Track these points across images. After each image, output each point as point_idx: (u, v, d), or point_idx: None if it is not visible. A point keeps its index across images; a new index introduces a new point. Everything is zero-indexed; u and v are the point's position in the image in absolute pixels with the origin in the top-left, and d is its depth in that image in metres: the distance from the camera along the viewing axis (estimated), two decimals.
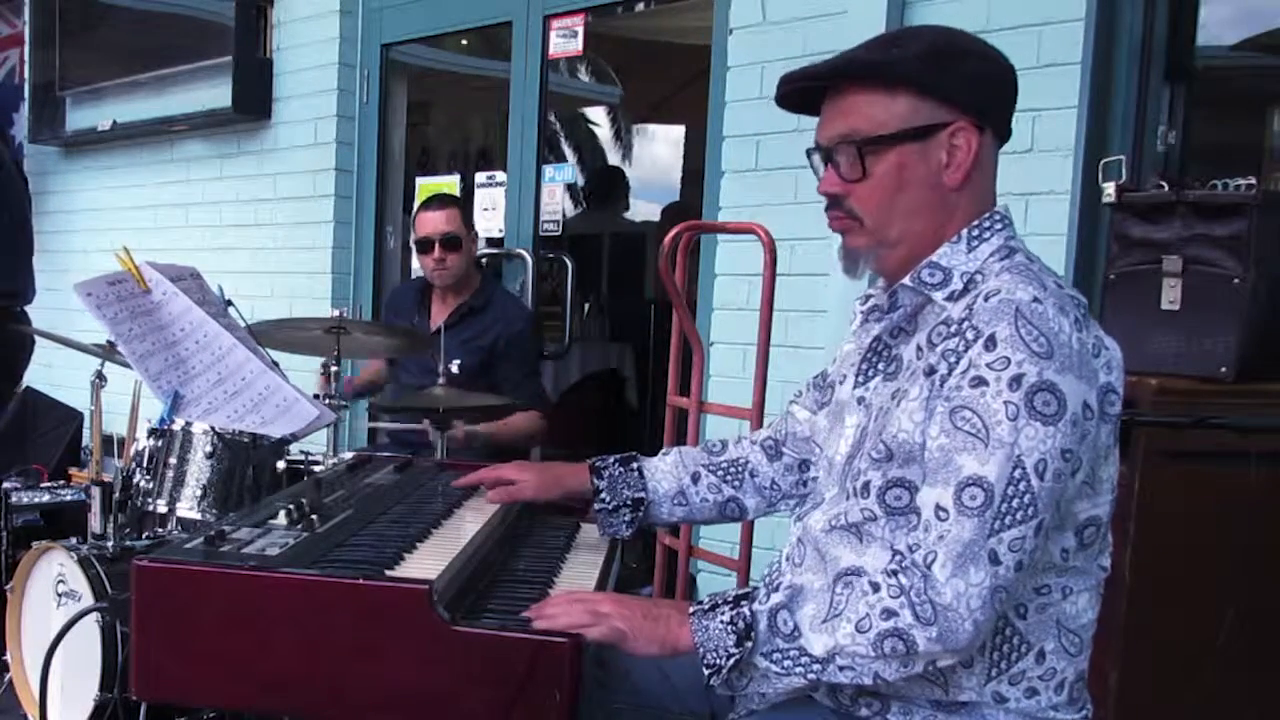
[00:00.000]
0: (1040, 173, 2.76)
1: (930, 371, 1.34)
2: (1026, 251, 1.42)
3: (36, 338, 3.78)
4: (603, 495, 1.76)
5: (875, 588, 1.29)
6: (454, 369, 2.98)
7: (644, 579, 3.14)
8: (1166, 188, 2.22)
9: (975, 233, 1.41)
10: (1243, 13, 2.97)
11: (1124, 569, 2.03)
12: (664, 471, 1.77)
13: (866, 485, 1.40)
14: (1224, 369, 2.13)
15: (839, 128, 1.43)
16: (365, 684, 1.35)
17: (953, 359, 1.31)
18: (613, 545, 1.82)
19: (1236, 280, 2.13)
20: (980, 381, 1.27)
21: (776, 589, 1.36)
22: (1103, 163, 2.40)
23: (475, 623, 1.39)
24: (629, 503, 1.75)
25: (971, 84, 1.39)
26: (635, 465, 1.77)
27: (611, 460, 1.78)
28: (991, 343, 1.28)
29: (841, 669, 1.30)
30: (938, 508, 1.27)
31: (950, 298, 1.39)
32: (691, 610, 1.37)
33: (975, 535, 1.25)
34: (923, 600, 1.25)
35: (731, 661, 1.32)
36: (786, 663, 1.32)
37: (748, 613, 1.33)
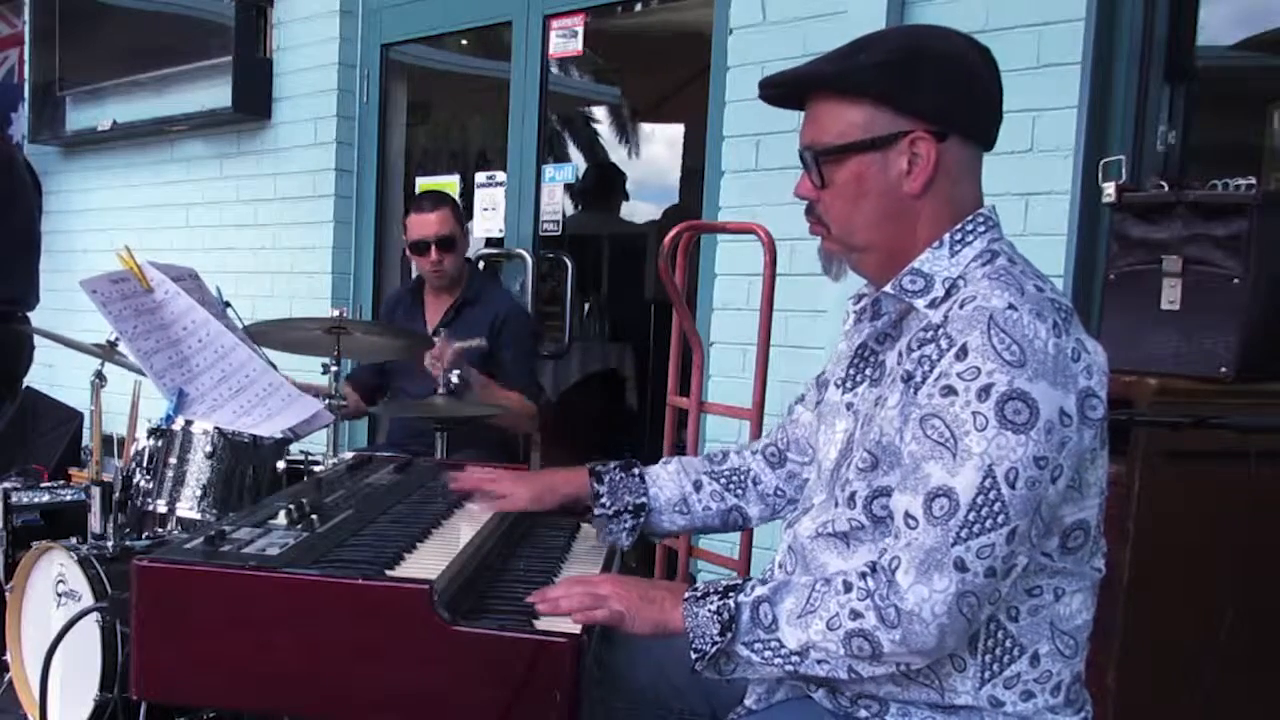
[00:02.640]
0: (1040, 173, 2.76)
1: (907, 378, 1.35)
2: (1010, 254, 1.40)
3: (36, 342, 3.78)
4: (603, 500, 1.73)
5: (848, 587, 1.32)
6: (453, 378, 2.97)
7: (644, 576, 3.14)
8: (1166, 188, 2.22)
9: (958, 236, 1.40)
10: (1243, 13, 2.97)
11: (1124, 569, 2.03)
12: (665, 478, 1.75)
13: (853, 496, 1.40)
14: (1224, 369, 2.13)
15: (806, 135, 1.45)
16: (365, 684, 1.35)
17: (926, 366, 1.32)
18: (613, 545, 1.82)
19: (1236, 280, 2.13)
20: (950, 391, 1.27)
21: (764, 582, 1.38)
22: (1103, 163, 2.40)
23: (475, 623, 1.39)
24: (630, 508, 1.72)
25: (931, 92, 1.37)
26: (636, 471, 1.75)
27: (612, 465, 1.76)
28: (963, 352, 1.28)
29: (818, 662, 1.32)
30: (907, 515, 1.29)
31: (931, 304, 1.38)
32: (686, 596, 1.39)
33: (938, 543, 1.26)
34: (887, 604, 1.28)
35: (715, 648, 1.35)
36: (766, 653, 1.34)
37: (733, 603, 1.36)
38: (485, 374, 3.24)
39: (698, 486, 1.73)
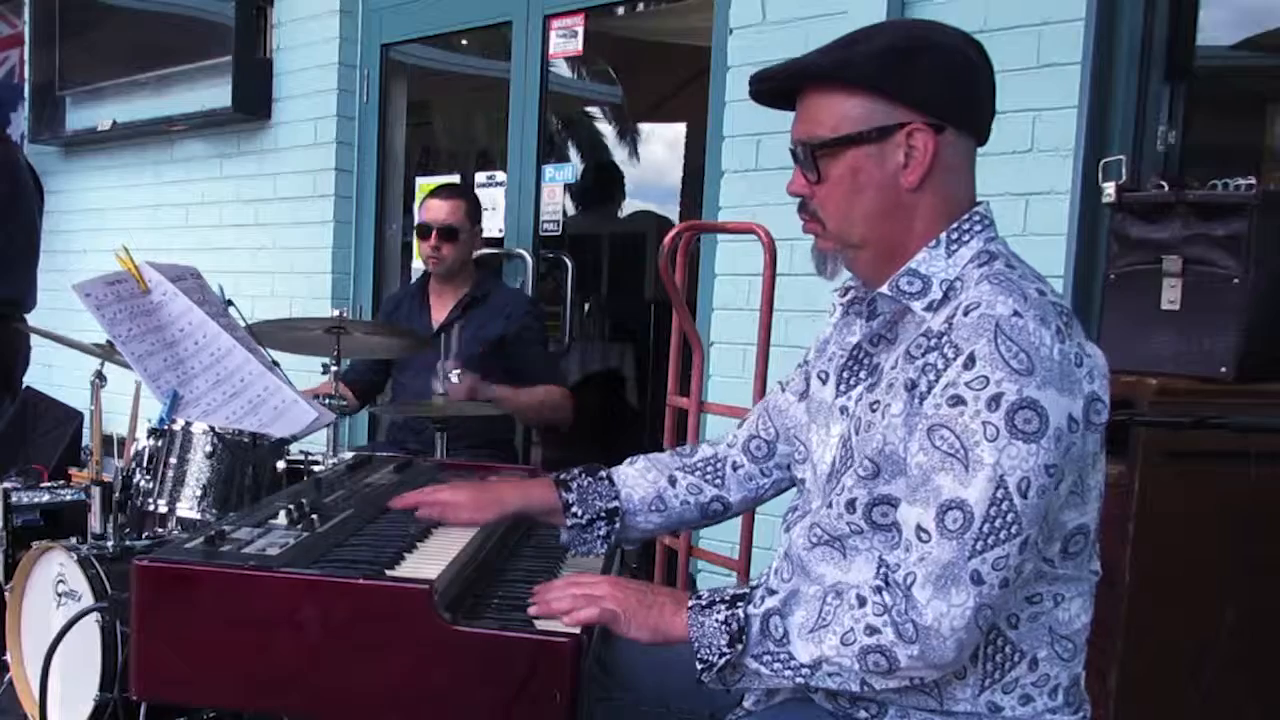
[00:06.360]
0: (1040, 173, 2.76)
1: (911, 386, 1.33)
2: (1008, 256, 1.39)
3: (37, 342, 3.78)
4: (574, 509, 1.65)
5: (861, 602, 1.30)
6: (454, 378, 2.97)
7: (644, 580, 3.14)
8: (1166, 188, 2.22)
9: (955, 235, 1.39)
10: (1243, 13, 2.97)
11: (1124, 569, 2.03)
12: (634, 478, 1.69)
13: (853, 502, 1.39)
14: (1224, 369, 2.13)
15: (800, 130, 1.42)
16: (365, 684, 1.35)
17: (932, 375, 1.30)
18: (616, 547, 1.81)
19: (1236, 280, 2.13)
20: (959, 401, 1.26)
21: (772, 593, 1.36)
22: (1103, 163, 2.40)
23: (475, 623, 1.39)
24: (603, 514, 1.65)
25: (928, 83, 1.35)
26: (603, 474, 1.69)
27: (577, 471, 1.69)
28: (971, 361, 1.26)
29: (829, 675, 1.31)
30: (919, 528, 1.27)
31: (929, 308, 1.37)
32: (690, 604, 1.37)
33: (955, 557, 1.24)
34: (904, 620, 1.26)
35: (723, 660, 1.33)
36: (776, 665, 1.33)
37: (741, 615, 1.34)
38: (499, 375, 3.26)
39: (672, 481, 1.68)
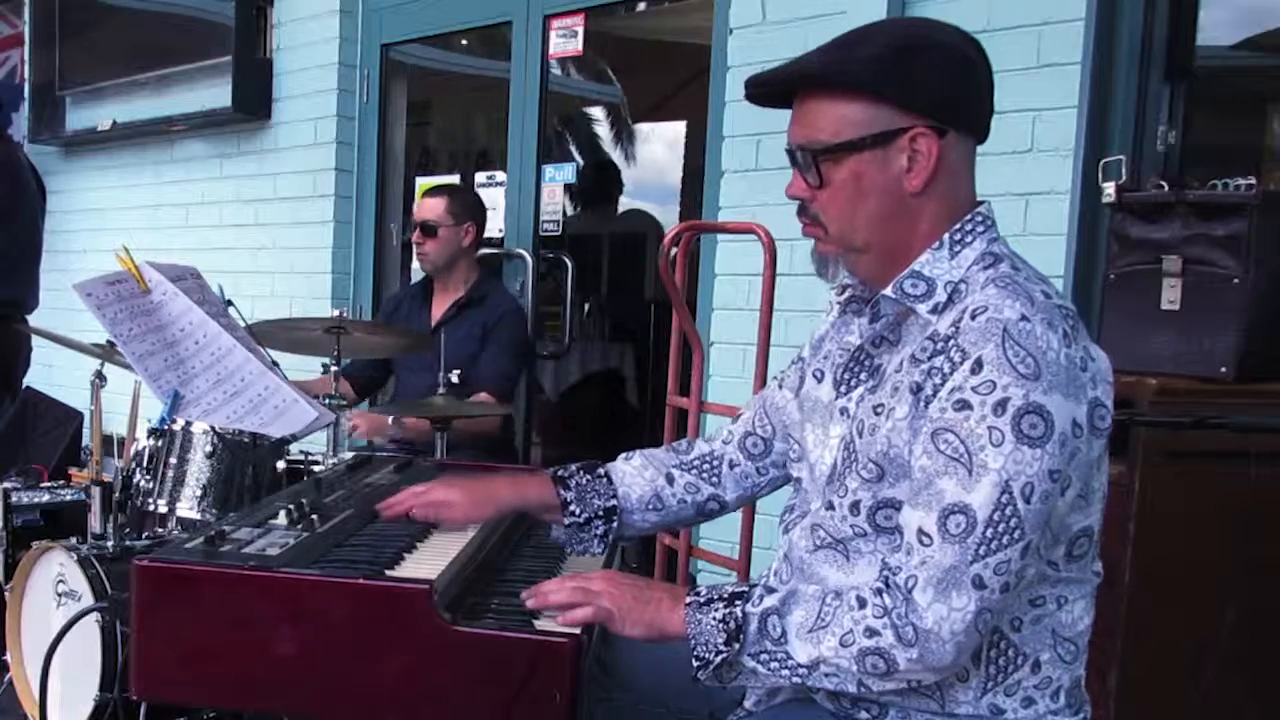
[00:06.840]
0: (1040, 173, 2.76)
1: (916, 389, 1.32)
2: (1012, 258, 1.38)
3: (34, 343, 3.78)
4: (572, 507, 1.63)
5: (862, 603, 1.29)
6: (453, 378, 2.97)
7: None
8: (1166, 188, 2.22)
9: (958, 236, 1.38)
10: (1242, 13, 2.97)
11: (1124, 569, 2.03)
12: (632, 476, 1.67)
13: (856, 504, 1.38)
14: (1224, 369, 2.13)
15: (798, 134, 1.40)
16: (365, 684, 1.35)
17: (938, 379, 1.29)
18: (613, 545, 1.81)
19: (1236, 280, 2.13)
20: (965, 405, 1.25)
21: (771, 591, 1.36)
22: (1103, 163, 2.40)
23: (475, 623, 1.39)
24: (601, 513, 1.64)
25: (929, 85, 1.34)
26: (601, 471, 1.68)
27: (575, 468, 1.67)
28: (978, 365, 1.25)
29: (826, 676, 1.30)
30: (920, 531, 1.27)
31: (934, 310, 1.36)
32: (688, 601, 1.36)
33: (957, 561, 1.24)
34: (904, 623, 1.26)
35: (720, 659, 1.33)
36: (774, 664, 1.32)
37: (739, 613, 1.33)
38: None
39: (670, 480, 1.67)
